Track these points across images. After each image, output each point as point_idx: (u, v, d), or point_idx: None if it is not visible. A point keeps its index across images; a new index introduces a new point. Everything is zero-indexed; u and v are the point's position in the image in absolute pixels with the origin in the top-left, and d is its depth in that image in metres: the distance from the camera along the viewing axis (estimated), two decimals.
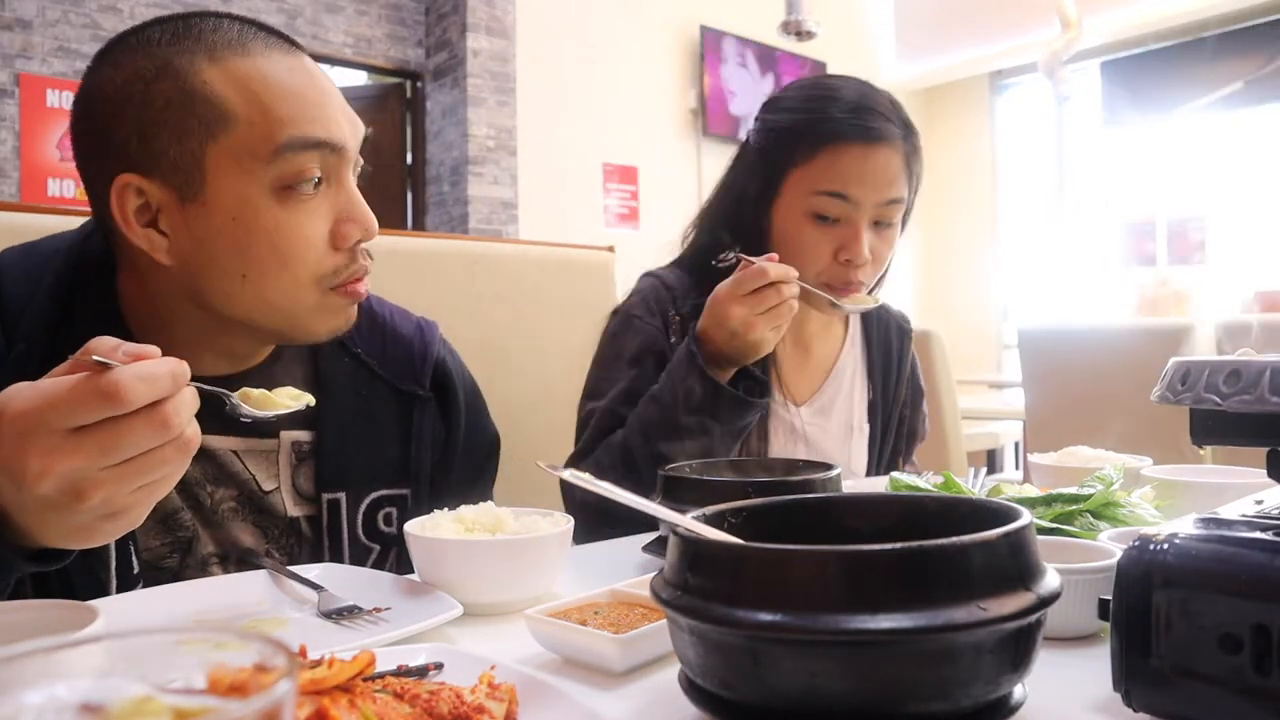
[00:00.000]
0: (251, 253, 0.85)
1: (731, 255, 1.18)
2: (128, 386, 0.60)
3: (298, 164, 0.85)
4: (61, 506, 0.63)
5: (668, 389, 1.18)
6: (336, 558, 0.99)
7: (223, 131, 0.83)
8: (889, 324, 1.51)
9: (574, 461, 1.25)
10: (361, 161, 0.94)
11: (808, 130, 1.26)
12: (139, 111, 0.82)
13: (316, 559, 0.98)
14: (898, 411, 1.50)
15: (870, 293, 1.35)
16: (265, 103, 0.84)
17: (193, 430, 0.65)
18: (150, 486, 0.66)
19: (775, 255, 1.17)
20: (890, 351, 1.50)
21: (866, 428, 1.46)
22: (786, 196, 1.28)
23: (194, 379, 0.92)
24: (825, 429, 1.41)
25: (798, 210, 1.27)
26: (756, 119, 1.36)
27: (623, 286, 1.74)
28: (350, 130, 0.90)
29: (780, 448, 1.37)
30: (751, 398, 1.18)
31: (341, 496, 1.00)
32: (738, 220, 1.34)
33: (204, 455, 0.94)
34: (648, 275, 1.40)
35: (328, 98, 0.89)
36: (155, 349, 0.64)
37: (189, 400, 0.65)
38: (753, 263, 1.15)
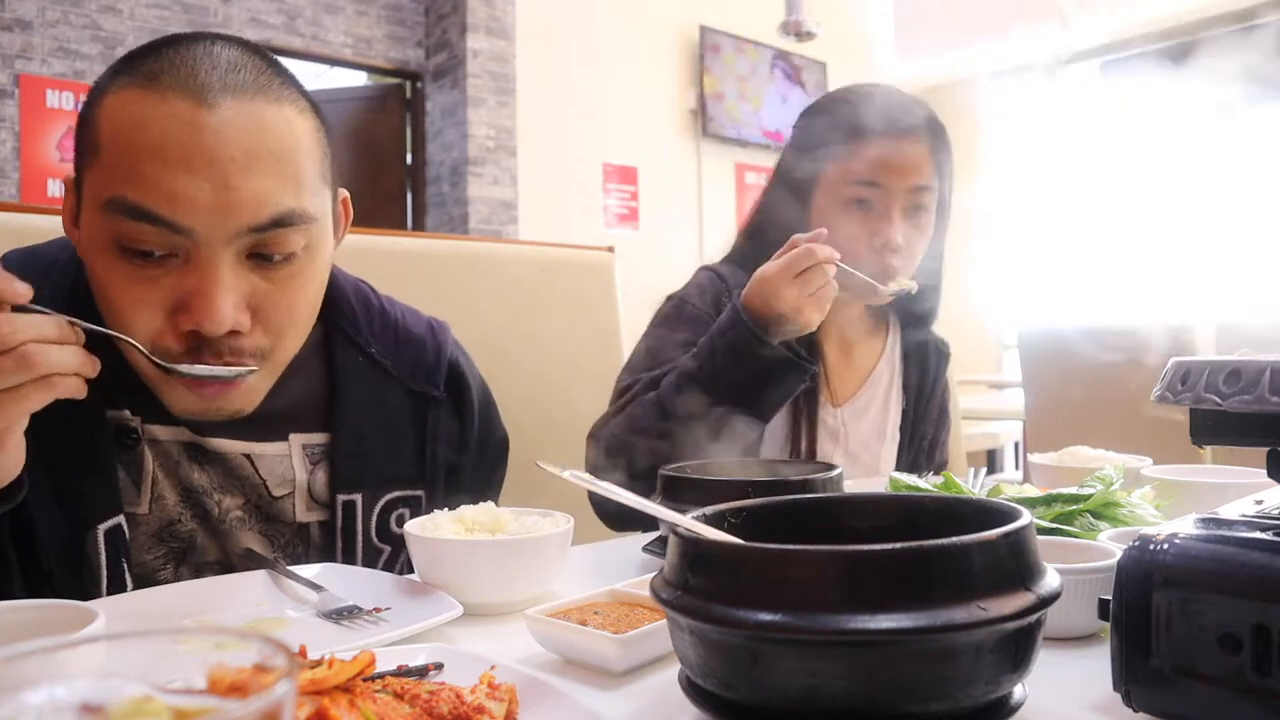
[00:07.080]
0: (99, 291, 0.82)
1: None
2: None
3: (127, 228, 0.77)
4: None
5: (708, 344, 1.17)
6: (348, 560, 0.97)
7: (93, 161, 0.80)
8: (928, 344, 1.56)
9: (605, 420, 1.25)
10: (289, 253, 0.82)
11: (841, 128, 1.35)
12: (80, 121, 0.83)
13: (326, 562, 0.97)
14: (922, 428, 1.54)
15: (924, 299, 1.44)
16: (119, 148, 0.77)
17: (37, 354, 0.67)
18: None
19: (824, 231, 1.16)
20: (927, 369, 1.54)
21: (898, 436, 1.50)
22: (823, 189, 1.36)
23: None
24: (859, 431, 1.45)
25: (835, 200, 1.34)
26: (794, 126, 1.46)
27: (623, 286, 1.74)
28: (217, 216, 0.77)
29: (820, 447, 1.40)
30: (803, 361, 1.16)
31: (357, 498, 0.98)
32: (781, 219, 1.40)
33: (213, 460, 0.93)
34: (704, 269, 1.45)
35: (199, 170, 0.76)
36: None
37: (34, 320, 0.67)
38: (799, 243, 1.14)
